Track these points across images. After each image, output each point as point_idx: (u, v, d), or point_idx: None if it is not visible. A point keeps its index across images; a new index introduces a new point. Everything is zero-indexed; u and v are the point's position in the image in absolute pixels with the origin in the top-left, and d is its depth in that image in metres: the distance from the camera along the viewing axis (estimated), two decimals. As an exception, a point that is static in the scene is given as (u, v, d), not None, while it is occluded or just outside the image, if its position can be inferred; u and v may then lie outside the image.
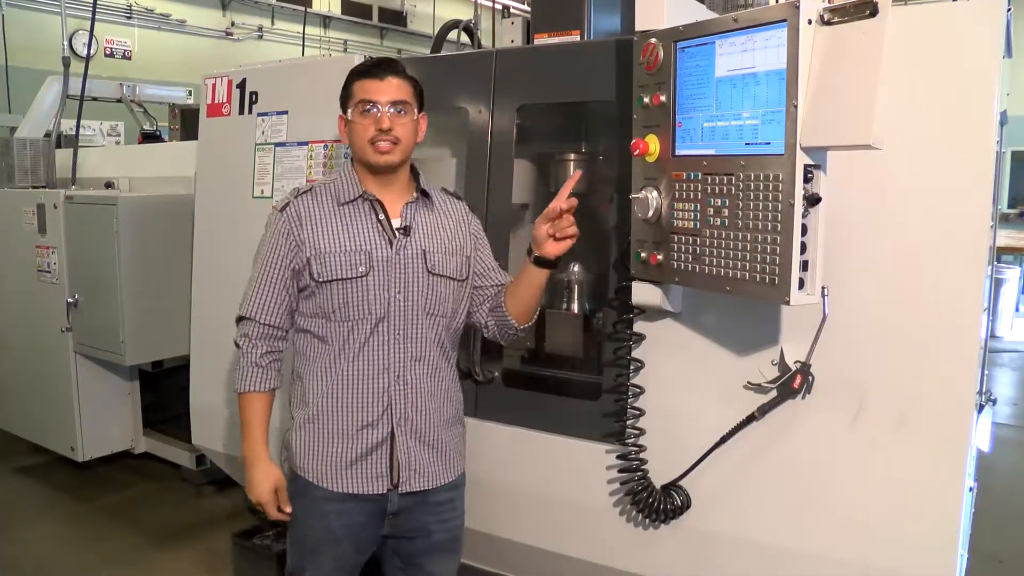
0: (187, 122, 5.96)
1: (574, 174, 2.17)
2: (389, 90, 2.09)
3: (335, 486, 2.11)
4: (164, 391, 4.89)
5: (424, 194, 2.21)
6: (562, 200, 2.07)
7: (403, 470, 2.13)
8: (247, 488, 2.18)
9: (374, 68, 2.12)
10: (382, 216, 2.13)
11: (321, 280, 2.07)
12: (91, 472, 4.79)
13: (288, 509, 2.17)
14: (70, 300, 4.39)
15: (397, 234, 2.12)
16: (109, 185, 4.85)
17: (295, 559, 2.18)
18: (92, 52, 5.34)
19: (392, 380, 2.11)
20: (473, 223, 2.32)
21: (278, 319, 2.15)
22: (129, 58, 12.05)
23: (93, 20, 5.38)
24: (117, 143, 9.71)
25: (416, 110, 2.14)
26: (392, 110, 2.08)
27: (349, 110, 2.12)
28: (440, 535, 2.21)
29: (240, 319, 2.18)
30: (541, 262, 2.16)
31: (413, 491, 2.15)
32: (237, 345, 2.17)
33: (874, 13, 1.66)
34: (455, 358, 2.28)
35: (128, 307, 4.19)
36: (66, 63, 5.20)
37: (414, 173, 2.23)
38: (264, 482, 2.14)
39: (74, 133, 5.06)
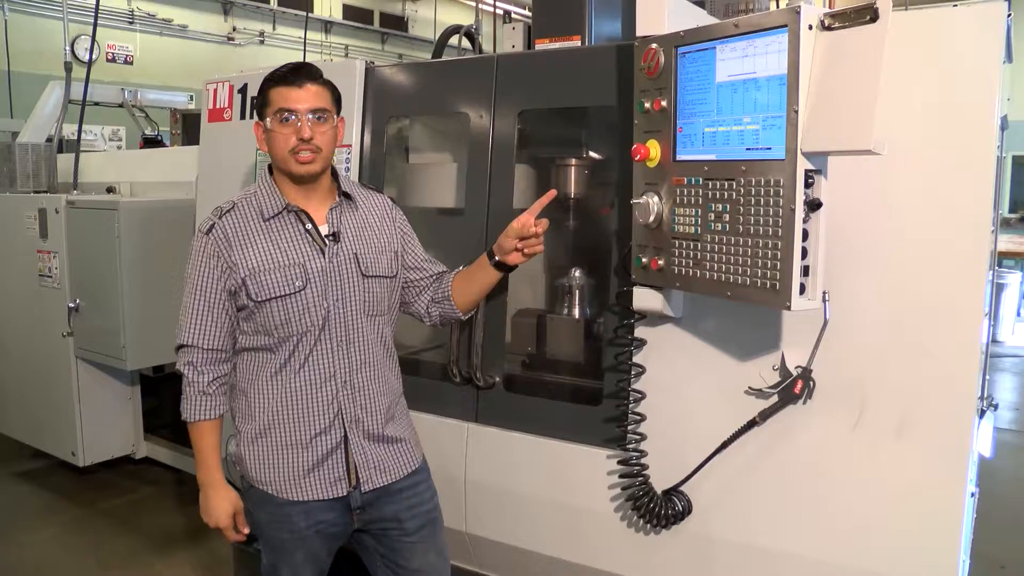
0: (188, 127, 5.98)
1: (548, 192, 2.24)
2: (308, 98, 2.05)
3: (295, 495, 2.10)
4: (165, 396, 4.89)
5: (346, 196, 2.19)
6: (533, 217, 2.18)
7: (362, 470, 2.13)
8: (203, 513, 2.17)
9: (291, 75, 2.07)
10: (309, 226, 2.10)
11: (259, 299, 2.05)
12: (91, 477, 4.79)
13: (246, 531, 2.18)
14: (71, 305, 4.39)
15: (327, 242, 2.11)
16: (111, 190, 4.86)
17: (269, 559, 2.19)
18: (94, 57, 5.37)
19: (339, 387, 2.11)
20: (398, 217, 2.32)
21: (220, 342, 2.11)
22: (131, 63, 12.12)
23: (95, 25, 5.39)
24: (119, 148, 9.71)
25: (335, 116, 2.12)
26: (312, 118, 2.05)
27: (268, 118, 2.07)
28: (412, 522, 2.21)
29: (181, 347, 2.12)
30: (501, 267, 2.27)
31: (376, 487, 2.16)
32: (181, 374, 2.13)
33: (874, 19, 1.66)
34: (395, 351, 2.29)
35: (129, 312, 4.19)
36: (68, 68, 5.22)
37: (333, 174, 2.21)
38: (221, 506, 2.14)
39: (76, 138, 5.07)
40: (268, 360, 2.11)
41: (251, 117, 3.19)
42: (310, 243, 2.10)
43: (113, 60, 11.83)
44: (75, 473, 4.75)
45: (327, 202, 2.16)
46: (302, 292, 2.06)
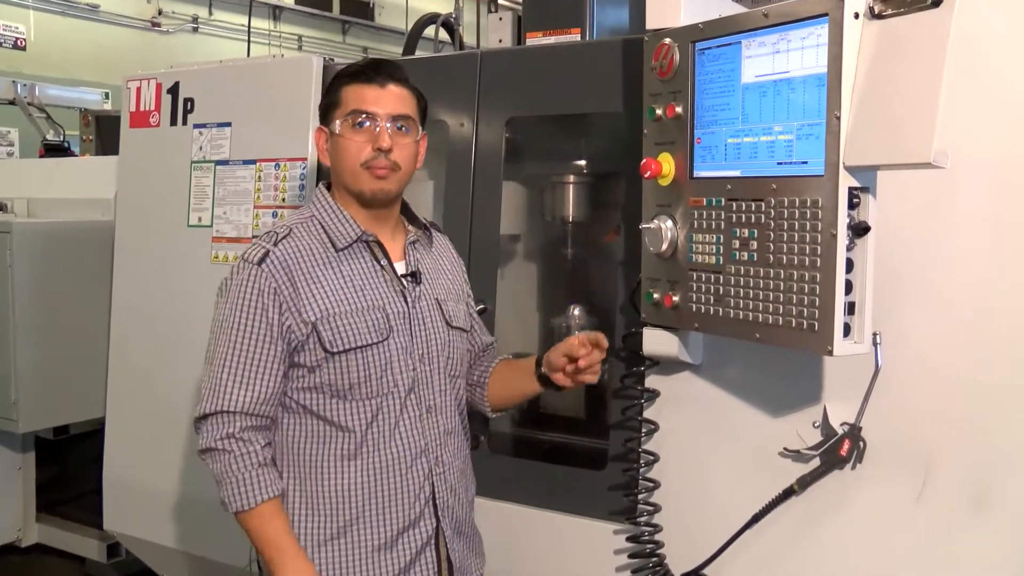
0: (104, 132, 5.98)
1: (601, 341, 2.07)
2: (390, 101, 2.01)
3: None
4: (68, 464, 4.81)
5: (425, 229, 2.18)
6: (586, 337, 2.03)
7: (456, 572, 2.10)
8: None
9: (371, 71, 2.03)
10: (384, 262, 2.06)
11: (335, 350, 1.95)
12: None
13: None
14: (-51, 351, 4.35)
15: (405, 282, 2.08)
16: (2, 207, 4.85)
17: None
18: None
19: (432, 464, 2.06)
20: (461, 263, 2.32)
21: (269, 407, 1.98)
22: (23, 48, 11.76)
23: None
24: (10, 155, 9.68)
25: (420, 128, 2.08)
26: (392, 125, 2.00)
27: (336, 121, 2.02)
28: None
29: (209, 415, 1.93)
30: (546, 381, 2.15)
31: None
32: (217, 450, 1.92)
33: (937, 3, 1.66)
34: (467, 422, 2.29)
35: (24, 359, 4.11)
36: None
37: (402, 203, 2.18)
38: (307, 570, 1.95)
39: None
40: (341, 436, 2.00)
41: (183, 123, 3.23)
42: (388, 283, 2.05)
43: (-1, 44, 11.66)
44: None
45: (399, 234, 2.13)
46: (385, 343, 2.00)
